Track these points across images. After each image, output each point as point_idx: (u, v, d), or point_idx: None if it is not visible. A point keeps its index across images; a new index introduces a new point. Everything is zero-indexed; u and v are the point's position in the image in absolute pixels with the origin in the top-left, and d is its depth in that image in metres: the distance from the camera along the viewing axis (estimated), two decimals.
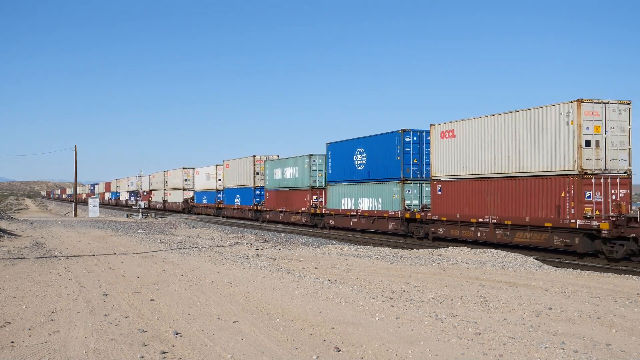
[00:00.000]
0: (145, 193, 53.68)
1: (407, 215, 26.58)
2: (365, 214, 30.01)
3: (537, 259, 18.34)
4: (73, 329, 8.28)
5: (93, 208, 51.69)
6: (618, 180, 18.58)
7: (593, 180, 18.26)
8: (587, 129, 18.30)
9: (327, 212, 34.11)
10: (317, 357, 6.99)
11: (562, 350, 7.20)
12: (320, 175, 36.35)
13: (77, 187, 57.82)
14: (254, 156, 44.91)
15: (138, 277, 13.25)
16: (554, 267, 16.15)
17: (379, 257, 18.06)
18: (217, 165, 54.01)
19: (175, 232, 32.19)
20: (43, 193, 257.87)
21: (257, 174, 44.68)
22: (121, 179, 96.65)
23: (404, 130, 27.00)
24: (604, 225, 17.56)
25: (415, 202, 27.10)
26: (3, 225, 32.04)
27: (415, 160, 27.06)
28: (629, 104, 19.00)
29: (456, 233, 23.76)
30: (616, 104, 18.86)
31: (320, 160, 36.35)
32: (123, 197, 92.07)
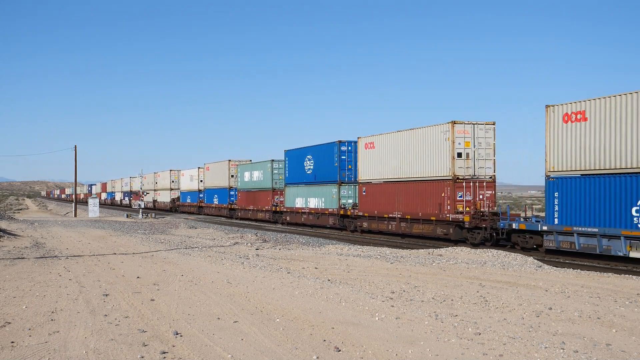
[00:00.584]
0: (142, 193, 56.09)
1: (342, 212, 32.25)
2: (312, 211, 35.49)
3: (537, 259, 18.35)
4: (73, 329, 8.28)
5: (93, 208, 51.69)
6: (484, 184, 23.96)
7: (464, 184, 23.61)
8: (459, 144, 23.53)
9: (285, 209, 39.37)
10: (317, 357, 6.99)
11: (562, 350, 7.21)
12: (280, 177, 41.60)
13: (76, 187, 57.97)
14: (229, 160, 50.13)
15: (138, 277, 13.25)
16: (554, 267, 16.15)
17: (379, 257, 18.06)
18: (199, 167, 58.08)
19: (175, 232, 32.19)
20: (43, 193, 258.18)
21: (232, 176, 49.92)
22: (116, 179, 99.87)
23: (340, 141, 32.63)
24: (466, 218, 22.89)
25: (350, 201, 32.56)
26: (3, 225, 32.04)
27: (350, 167, 32.53)
28: (493, 124, 24.21)
29: (375, 226, 29.14)
30: (483, 124, 24.00)
31: (280, 165, 41.47)
32: (118, 197, 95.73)
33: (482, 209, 23.27)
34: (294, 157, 38.05)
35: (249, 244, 24.26)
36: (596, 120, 18.10)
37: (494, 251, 19.41)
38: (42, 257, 17.36)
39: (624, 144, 17.27)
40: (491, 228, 22.36)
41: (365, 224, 29.93)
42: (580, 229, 18.37)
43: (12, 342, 7.58)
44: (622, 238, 16.99)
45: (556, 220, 19.25)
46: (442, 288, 11.85)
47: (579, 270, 15.54)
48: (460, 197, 23.60)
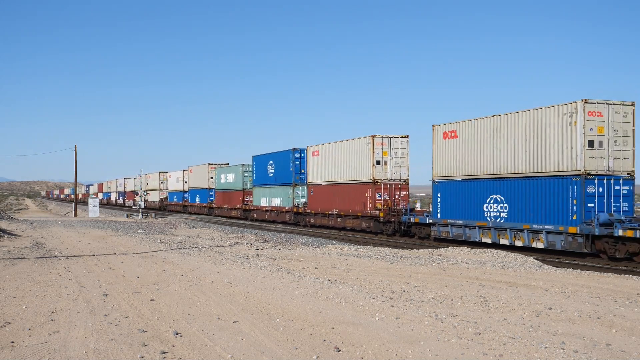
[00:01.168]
0: (141, 192, 59.50)
1: (295, 209, 38.23)
2: (274, 209, 41.70)
3: (537, 259, 18.36)
4: (73, 329, 8.28)
5: (93, 208, 51.68)
6: (400, 186, 29.93)
7: (382, 186, 29.61)
8: (378, 153, 29.66)
9: (253, 208, 45.66)
10: (317, 357, 6.99)
11: (562, 350, 7.21)
12: (250, 180, 46.99)
13: (72, 188, 58.36)
14: (209, 164, 56.80)
15: (138, 277, 13.25)
16: (554, 267, 16.15)
17: (379, 257, 18.06)
18: (183, 170, 64.67)
19: (175, 232, 32.19)
20: (43, 193, 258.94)
21: (211, 178, 56.23)
22: (112, 180, 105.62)
23: (294, 149, 38.72)
24: (381, 214, 28.90)
25: (303, 200, 38.19)
26: (3, 225, 32.04)
27: (302, 171, 38.24)
28: (407, 137, 30.32)
29: (320, 221, 35.17)
30: (398, 137, 30.04)
31: (250, 169, 47.01)
32: (113, 197, 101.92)
33: (392, 207, 29.10)
34: (260, 161, 44.27)
35: (249, 244, 24.26)
36: (463, 137, 23.54)
37: (494, 251, 19.41)
38: (42, 257, 17.36)
39: (480, 157, 22.75)
40: (398, 222, 28.12)
41: (312, 220, 36.26)
42: (452, 221, 24.02)
43: (12, 342, 7.58)
44: (477, 228, 22.80)
45: (439, 214, 24.92)
46: (442, 288, 11.85)
47: (579, 270, 15.55)
48: (379, 196, 29.51)
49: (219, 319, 8.97)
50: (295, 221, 38.43)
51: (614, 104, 19.13)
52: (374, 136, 29.36)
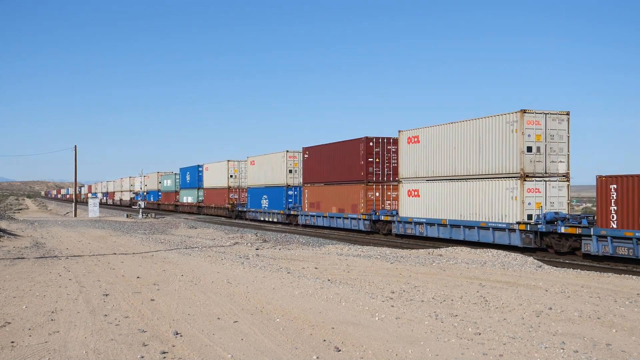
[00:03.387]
0: (144, 193, 68.62)
1: (198, 204, 55.60)
2: (188, 204, 61.09)
3: (537, 259, 18.36)
4: (73, 329, 8.27)
5: (93, 208, 51.66)
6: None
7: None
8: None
9: (179, 204, 63.97)
10: (317, 357, 6.98)
11: (562, 350, 7.20)
12: (178, 184, 66.01)
13: (69, 188, 59.03)
14: (157, 172, 76.88)
15: (138, 277, 13.25)
16: (554, 267, 16.15)
17: (379, 257, 18.05)
18: (144, 176, 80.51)
19: (175, 232, 32.19)
20: (43, 193, 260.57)
21: (159, 182, 75.99)
22: (98, 183, 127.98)
23: (199, 165, 58.04)
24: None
25: (201, 198, 58.09)
26: (3, 225, 32.04)
27: (201, 180, 57.13)
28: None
29: (211, 212, 45.22)
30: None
31: (178, 176, 65.76)
32: (99, 197, 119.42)
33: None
34: (183, 172, 64.15)
35: (249, 244, 24.26)
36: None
37: (494, 251, 19.42)
38: (42, 257, 17.35)
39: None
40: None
41: (205, 210, 47.57)
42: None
43: (12, 342, 7.57)
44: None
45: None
46: (442, 288, 11.85)
47: (579, 270, 15.54)
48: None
49: (219, 319, 8.97)
50: (198, 212, 57.98)
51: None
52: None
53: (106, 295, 10.92)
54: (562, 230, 19.32)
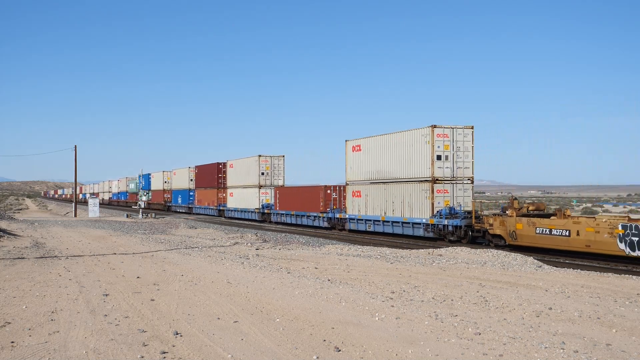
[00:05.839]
0: (144, 193, 74.48)
1: (148, 202, 67.32)
2: (144, 202, 64.32)
3: (537, 259, 18.36)
4: (73, 329, 8.27)
5: (93, 208, 51.66)
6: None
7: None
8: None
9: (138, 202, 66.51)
10: (317, 357, 6.98)
11: (562, 350, 7.20)
12: (137, 187, 77.01)
13: (64, 188, 59.44)
14: (127, 177, 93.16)
15: (138, 277, 13.25)
16: (554, 267, 16.15)
17: (379, 257, 18.05)
18: (118, 179, 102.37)
19: (175, 232, 32.18)
20: (42, 193, 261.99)
21: (128, 185, 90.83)
22: (87, 185, 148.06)
23: (149, 173, 76.44)
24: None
25: (145, 198, 65.60)
26: (3, 225, 32.03)
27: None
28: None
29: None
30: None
31: (137, 180, 78.30)
32: (87, 197, 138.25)
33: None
34: (142, 177, 75.20)
35: (249, 244, 24.25)
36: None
37: (494, 251, 19.41)
38: (42, 257, 17.35)
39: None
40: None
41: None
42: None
43: (12, 342, 7.57)
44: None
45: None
46: (442, 288, 11.85)
47: (579, 270, 15.54)
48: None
49: (219, 319, 8.97)
50: (147, 207, 69.63)
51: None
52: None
53: (106, 295, 10.91)
54: (445, 222, 24.93)
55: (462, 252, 19.62)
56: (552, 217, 20.93)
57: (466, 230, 24.36)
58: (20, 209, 79.40)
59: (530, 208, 23.01)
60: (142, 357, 6.97)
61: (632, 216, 21.30)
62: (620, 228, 17.79)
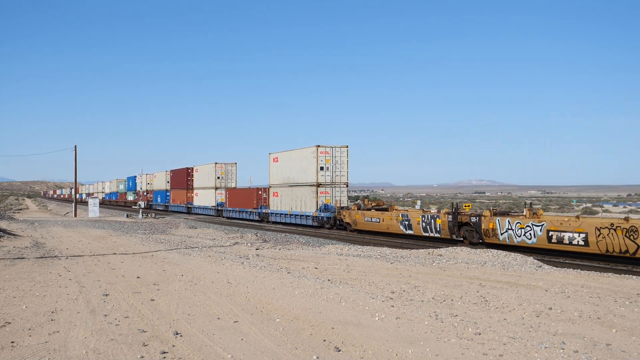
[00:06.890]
0: (145, 193, 77.13)
1: (135, 201, 76.13)
2: (130, 202, 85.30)
3: (537, 259, 18.37)
4: (73, 329, 8.27)
5: (93, 208, 51.67)
6: (268, 189, 43.83)
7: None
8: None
9: (127, 201, 78.73)
10: (317, 357, 6.98)
11: (562, 350, 7.20)
12: (126, 187, 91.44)
13: (63, 189, 59.70)
14: (117, 179, 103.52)
15: (138, 277, 13.25)
16: (554, 267, 16.15)
17: (379, 257, 18.06)
18: (110, 181, 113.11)
19: (175, 232, 32.19)
20: (42, 193, 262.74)
21: (117, 186, 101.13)
22: (84, 185, 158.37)
23: (135, 176, 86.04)
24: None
25: (132, 197, 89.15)
26: (3, 225, 32.03)
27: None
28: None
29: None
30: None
31: (125, 182, 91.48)
32: (84, 197, 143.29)
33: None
34: (129, 179, 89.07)
35: (249, 244, 24.26)
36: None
37: (494, 251, 19.42)
38: (42, 257, 17.35)
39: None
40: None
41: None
42: (277, 210, 40.98)
43: (12, 342, 7.57)
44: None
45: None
46: (442, 288, 11.85)
47: (579, 270, 15.55)
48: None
49: (219, 319, 8.97)
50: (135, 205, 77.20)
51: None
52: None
53: (106, 295, 10.92)
54: (322, 215, 35.24)
55: (462, 252, 19.62)
56: (383, 212, 29.83)
57: (334, 221, 34.26)
58: (20, 209, 79.43)
59: (372, 204, 32.79)
60: (142, 357, 6.97)
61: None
62: (400, 217, 27.90)
